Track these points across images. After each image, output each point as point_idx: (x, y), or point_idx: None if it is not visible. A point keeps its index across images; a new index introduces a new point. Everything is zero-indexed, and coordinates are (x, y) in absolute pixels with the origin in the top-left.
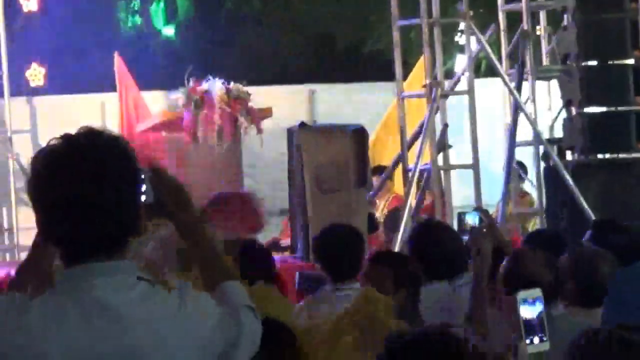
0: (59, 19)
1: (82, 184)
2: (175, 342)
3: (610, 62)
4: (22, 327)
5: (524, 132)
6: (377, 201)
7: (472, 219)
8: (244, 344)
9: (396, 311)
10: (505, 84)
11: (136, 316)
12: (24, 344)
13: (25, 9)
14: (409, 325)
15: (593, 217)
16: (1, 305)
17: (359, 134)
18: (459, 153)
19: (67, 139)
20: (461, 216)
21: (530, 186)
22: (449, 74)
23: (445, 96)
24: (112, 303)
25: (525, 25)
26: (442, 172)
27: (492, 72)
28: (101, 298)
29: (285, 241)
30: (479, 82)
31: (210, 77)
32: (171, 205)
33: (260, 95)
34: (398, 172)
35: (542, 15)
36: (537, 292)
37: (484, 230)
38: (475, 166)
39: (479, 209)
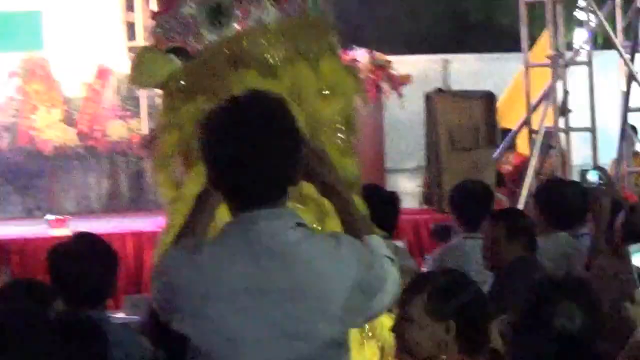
0: None
1: (251, 141)
2: (330, 280)
3: None
4: (195, 264)
5: (637, 99)
6: (504, 159)
7: (592, 177)
8: (389, 290)
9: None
10: (621, 55)
11: (297, 256)
12: (195, 279)
13: None
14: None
15: None
16: (176, 247)
17: (488, 99)
18: (579, 117)
19: (236, 101)
20: (583, 173)
21: None
22: (569, 46)
23: (566, 66)
24: (276, 244)
25: (638, 3)
26: (563, 134)
27: (608, 44)
28: (266, 240)
29: None
30: (597, 54)
31: (355, 47)
32: (316, 168)
33: (400, 64)
34: (522, 134)
35: None
36: None
37: (603, 186)
38: (592, 129)
39: (598, 168)
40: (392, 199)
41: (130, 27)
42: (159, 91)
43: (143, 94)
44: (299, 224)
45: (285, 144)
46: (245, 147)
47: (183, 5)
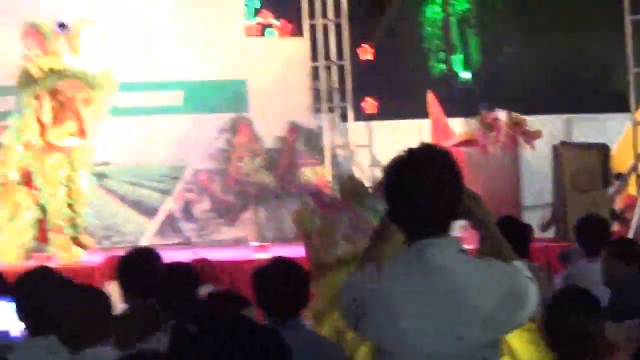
0: (385, 66)
1: (424, 182)
2: (485, 293)
3: None
4: (377, 279)
5: None
6: (616, 199)
7: None
8: (530, 304)
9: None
10: None
11: (458, 274)
12: (378, 292)
13: (362, 57)
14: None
15: None
16: (361, 269)
17: (604, 149)
18: None
19: (412, 151)
20: None
21: None
22: None
23: None
24: (443, 264)
25: None
26: None
27: None
28: (435, 261)
29: None
30: None
31: (497, 109)
32: (472, 206)
33: (532, 121)
34: (631, 178)
35: None
36: None
37: None
38: None
39: None
40: (526, 229)
41: (316, 92)
42: (339, 142)
43: (327, 146)
44: (461, 250)
45: (452, 187)
46: (421, 189)
47: None
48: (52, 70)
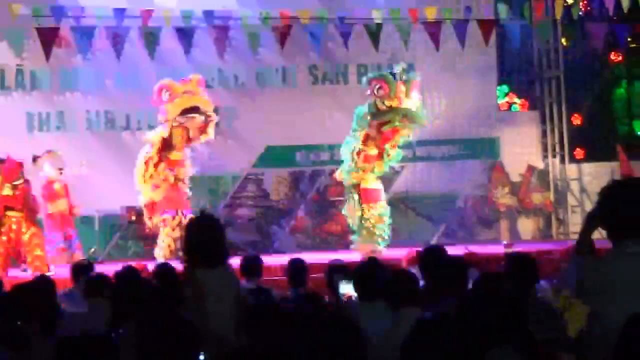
0: (590, 127)
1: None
2: None
3: None
4: (598, 266)
5: None
6: None
7: None
8: None
9: None
10: None
11: None
12: (596, 277)
13: (574, 122)
14: None
15: None
16: (578, 256)
17: None
18: None
19: (625, 179)
20: None
21: None
22: None
23: None
24: None
25: None
26: None
27: None
28: (635, 250)
29: None
30: None
31: None
32: None
33: None
34: None
35: None
36: None
37: None
38: None
39: None
40: None
41: (544, 145)
42: (559, 177)
43: (551, 180)
44: None
45: None
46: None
47: None
48: (393, 108)
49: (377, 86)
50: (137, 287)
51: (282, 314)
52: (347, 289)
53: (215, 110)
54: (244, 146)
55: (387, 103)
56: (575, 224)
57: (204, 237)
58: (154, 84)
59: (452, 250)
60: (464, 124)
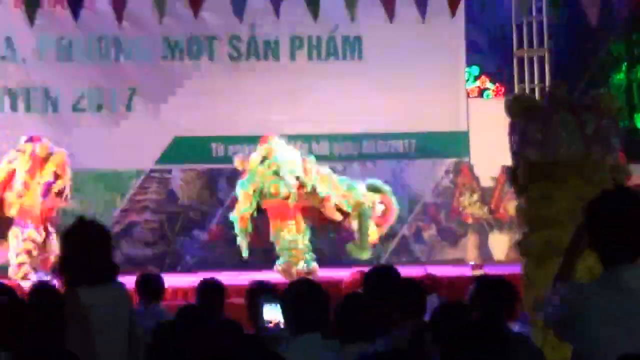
0: None
1: (632, 214)
2: None
3: None
4: (581, 297)
5: None
6: None
7: None
8: None
9: None
10: None
11: None
12: (582, 307)
13: None
14: None
15: None
16: (561, 286)
17: None
18: None
19: (619, 191)
20: None
21: None
22: None
23: None
24: (635, 285)
25: None
26: None
27: None
28: (629, 284)
29: None
30: None
31: None
32: None
33: None
34: None
35: None
36: None
37: None
38: None
39: None
40: None
41: None
42: None
43: None
44: None
45: None
46: (623, 224)
47: None
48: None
49: None
50: (13, 310)
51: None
52: (272, 314)
53: (113, 91)
54: (146, 136)
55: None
56: None
57: (83, 249)
58: None
59: (406, 271)
60: (423, 114)
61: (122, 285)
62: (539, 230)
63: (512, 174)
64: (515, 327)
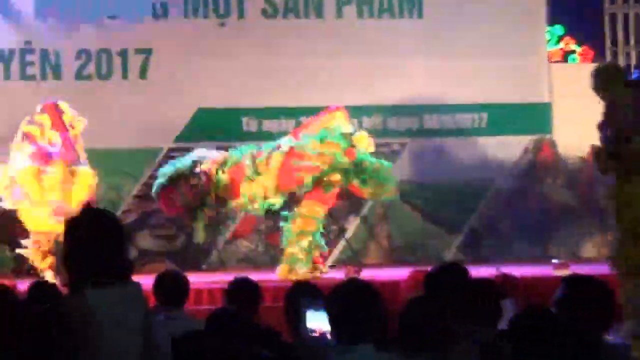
0: None
1: None
2: None
3: None
4: None
5: None
6: None
7: None
8: None
9: None
10: None
11: None
12: None
13: None
14: None
15: None
16: None
17: None
18: None
19: None
20: None
21: None
22: None
23: None
24: None
25: None
26: None
27: None
28: None
29: None
30: None
31: None
32: None
33: None
34: None
35: None
36: None
37: None
38: None
39: None
40: None
41: None
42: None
43: None
44: None
45: None
46: None
47: None
48: None
49: None
50: (11, 313)
51: None
52: (317, 321)
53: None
54: (164, 108)
55: None
56: None
57: (90, 243)
58: None
59: (477, 271)
60: (496, 82)
61: (138, 285)
62: None
63: (604, 163)
64: (611, 338)
